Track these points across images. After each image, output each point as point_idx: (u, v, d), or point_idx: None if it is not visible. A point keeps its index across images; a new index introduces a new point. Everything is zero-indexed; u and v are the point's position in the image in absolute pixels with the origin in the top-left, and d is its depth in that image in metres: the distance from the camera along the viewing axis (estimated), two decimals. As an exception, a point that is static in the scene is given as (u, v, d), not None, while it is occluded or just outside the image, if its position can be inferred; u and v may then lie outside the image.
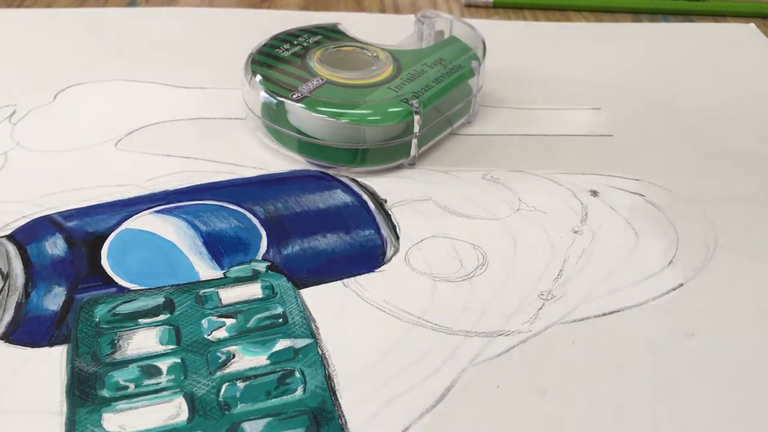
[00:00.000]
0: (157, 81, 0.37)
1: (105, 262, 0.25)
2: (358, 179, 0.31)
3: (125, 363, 0.22)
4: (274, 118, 0.31)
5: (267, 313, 0.24)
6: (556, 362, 0.24)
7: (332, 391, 0.22)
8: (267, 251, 0.26)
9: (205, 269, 0.25)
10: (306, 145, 0.31)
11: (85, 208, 0.28)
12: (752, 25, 0.46)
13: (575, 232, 0.29)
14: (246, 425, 0.21)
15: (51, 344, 0.23)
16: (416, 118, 0.30)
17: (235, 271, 0.25)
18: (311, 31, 0.35)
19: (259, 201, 0.28)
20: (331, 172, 0.31)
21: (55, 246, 0.26)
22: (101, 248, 0.26)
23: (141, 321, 0.23)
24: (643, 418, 0.22)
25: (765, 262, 0.28)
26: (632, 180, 0.32)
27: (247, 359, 0.22)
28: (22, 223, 0.27)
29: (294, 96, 0.30)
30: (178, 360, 0.22)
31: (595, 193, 0.31)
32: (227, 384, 0.22)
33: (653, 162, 0.33)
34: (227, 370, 0.22)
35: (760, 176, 0.32)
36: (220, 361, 0.22)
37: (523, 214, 0.29)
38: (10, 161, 0.31)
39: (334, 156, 0.31)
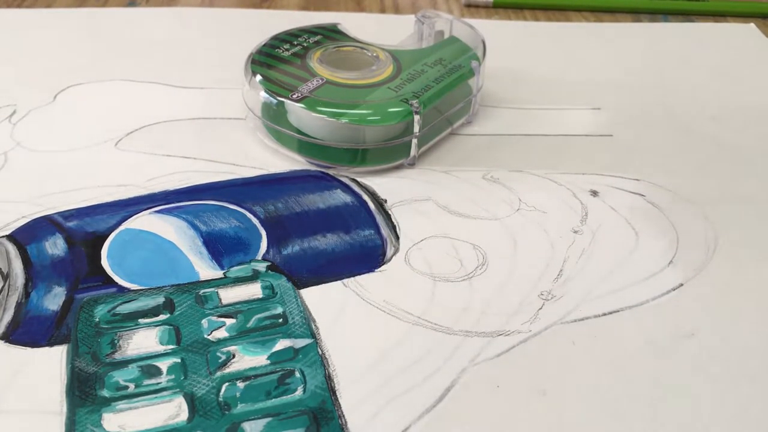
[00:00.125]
0: (157, 81, 0.37)
1: (105, 262, 0.25)
2: (358, 179, 0.31)
3: (125, 363, 0.22)
4: (274, 118, 0.31)
5: (267, 313, 0.24)
6: (556, 362, 0.24)
7: (332, 391, 0.22)
8: (267, 251, 0.26)
9: (205, 269, 0.25)
10: (306, 145, 0.31)
11: (85, 208, 0.28)
12: (752, 25, 0.46)
13: (575, 232, 0.29)
14: (246, 425, 0.21)
15: (51, 344, 0.23)
16: (416, 118, 0.30)
17: (235, 271, 0.25)
18: (311, 31, 0.35)
19: (259, 201, 0.28)
20: (331, 172, 0.31)
21: (55, 246, 0.26)
22: (101, 248, 0.26)
23: (141, 321, 0.23)
24: (643, 418, 0.22)
25: (765, 262, 0.28)
26: (632, 180, 0.32)
27: (247, 359, 0.22)
28: (22, 223, 0.27)
29: (294, 96, 0.30)
30: (178, 360, 0.22)
31: (595, 193, 0.31)
32: (227, 384, 0.22)
33: (653, 162, 0.33)
34: (227, 370, 0.22)
35: (760, 176, 0.32)
36: (220, 361, 0.22)
37: (523, 214, 0.29)
38: (10, 161, 0.31)
39: (334, 156, 0.31)
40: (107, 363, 0.22)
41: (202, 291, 0.25)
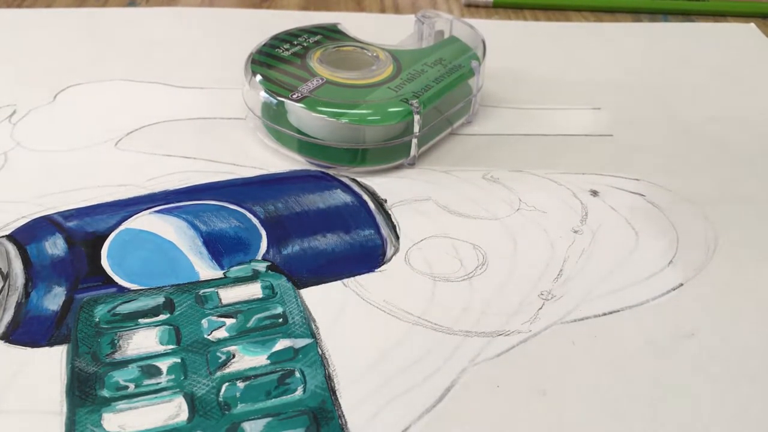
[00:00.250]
0: (157, 81, 0.37)
1: (105, 262, 0.25)
2: (358, 179, 0.31)
3: (125, 363, 0.22)
4: (274, 118, 0.31)
5: (267, 313, 0.24)
6: (556, 362, 0.24)
7: (332, 391, 0.22)
8: (267, 251, 0.26)
9: (205, 269, 0.25)
10: (306, 145, 0.31)
11: (85, 208, 0.28)
12: (752, 25, 0.46)
13: (575, 232, 0.29)
14: (246, 425, 0.21)
15: (51, 344, 0.23)
16: (416, 118, 0.30)
17: (235, 271, 0.25)
18: (311, 31, 0.35)
19: (259, 201, 0.28)
20: (331, 172, 0.31)
21: (55, 246, 0.26)
22: (101, 248, 0.26)
23: (141, 321, 0.23)
24: (643, 418, 0.22)
25: (765, 262, 0.28)
26: (632, 180, 0.32)
27: (247, 359, 0.22)
28: (22, 223, 0.27)
29: (294, 96, 0.30)
30: (178, 360, 0.22)
31: (595, 193, 0.31)
32: (227, 384, 0.22)
33: (653, 162, 0.33)
34: (227, 370, 0.22)
35: (760, 176, 0.32)
36: (220, 361, 0.22)
37: (523, 214, 0.29)
38: (10, 161, 0.31)
39: (334, 156, 0.31)
40: (107, 363, 0.22)
41: (202, 291, 0.25)
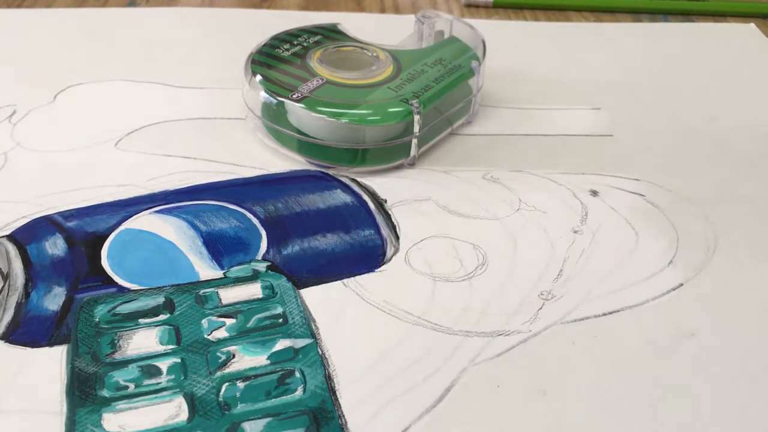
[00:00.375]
0: (157, 81, 0.37)
1: (105, 262, 0.25)
2: (358, 179, 0.31)
3: (125, 363, 0.22)
4: (274, 118, 0.31)
5: (267, 313, 0.24)
6: (556, 362, 0.24)
7: (332, 391, 0.22)
8: (267, 251, 0.26)
9: (205, 269, 0.25)
10: (306, 145, 0.31)
11: (85, 208, 0.28)
12: (752, 25, 0.46)
13: (575, 232, 0.29)
14: (246, 425, 0.21)
15: (51, 344, 0.23)
16: (416, 118, 0.30)
17: (235, 271, 0.25)
18: (311, 31, 0.35)
19: (259, 201, 0.28)
20: (331, 172, 0.31)
21: (55, 246, 0.26)
22: (101, 248, 0.26)
23: (141, 321, 0.23)
24: (643, 418, 0.22)
25: (765, 262, 0.28)
26: (632, 180, 0.32)
27: (247, 359, 0.22)
28: (22, 223, 0.27)
29: (294, 96, 0.30)
30: (178, 360, 0.22)
31: (595, 193, 0.31)
32: (227, 384, 0.22)
33: (653, 162, 0.33)
34: (227, 370, 0.22)
35: (760, 176, 0.32)
36: (220, 361, 0.22)
37: (523, 214, 0.29)
38: (10, 161, 0.31)
39: (334, 156, 0.31)
40: (107, 363, 0.22)
41: (202, 291, 0.25)
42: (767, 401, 0.23)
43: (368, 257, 0.27)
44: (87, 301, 0.24)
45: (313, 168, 0.31)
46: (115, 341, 0.23)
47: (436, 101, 0.31)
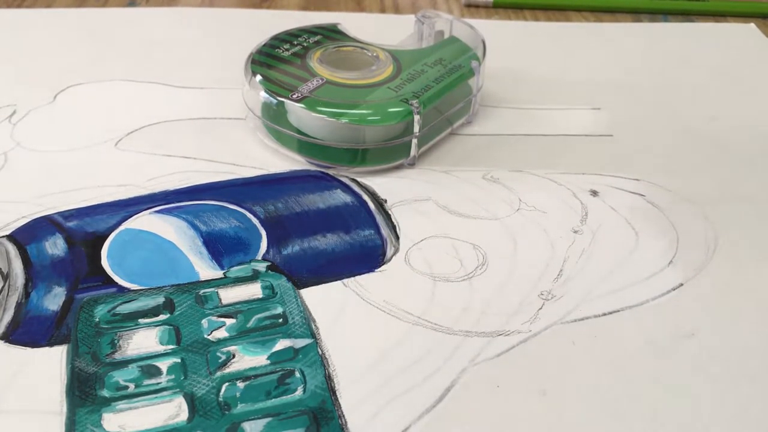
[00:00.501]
0: (157, 81, 0.37)
1: (105, 262, 0.25)
2: (358, 179, 0.31)
3: (125, 363, 0.22)
4: (274, 118, 0.31)
5: (267, 313, 0.24)
6: (556, 362, 0.24)
7: (332, 391, 0.22)
8: (267, 251, 0.26)
9: (205, 269, 0.25)
10: (306, 145, 0.31)
11: (85, 208, 0.28)
12: (752, 25, 0.46)
13: (575, 232, 0.29)
14: (246, 425, 0.21)
15: (51, 344, 0.23)
16: (416, 118, 0.30)
17: (235, 271, 0.25)
18: (311, 31, 0.35)
19: (259, 201, 0.28)
20: (331, 172, 0.31)
21: (55, 246, 0.26)
22: (101, 248, 0.26)
23: (141, 321, 0.23)
24: (643, 418, 0.22)
25: (765, 262, 0.28)
26: (632, 180, 0.32)
27: (247, 359, 0.22)
28: (22, 223, 0.27)
29: (294, 96, 0.30)
30: (178, 360, 0.22)
31: (595, 193, 0.31)
32: (227, 384, 0.22)
33: (653, 162, 0.33)
34: (227, 370, 0.22)
35: (760, 176, 0.32)
36: (220, 361, 0.22)
37: (523, 214, 0.29)
38: (10, 161, 0.31)
39: (334, 156, 0.31)
40: (107, 363, 0.22)
41: (202, 291, 0.25)
42: (767, 401, 0.23)
43: (368, 257, 0.27)
44: (87, 301, 0.24)
45: (313, 168, 0.31)
46: (115, 341, 0.23)
47: (436, 101, 0.31)
